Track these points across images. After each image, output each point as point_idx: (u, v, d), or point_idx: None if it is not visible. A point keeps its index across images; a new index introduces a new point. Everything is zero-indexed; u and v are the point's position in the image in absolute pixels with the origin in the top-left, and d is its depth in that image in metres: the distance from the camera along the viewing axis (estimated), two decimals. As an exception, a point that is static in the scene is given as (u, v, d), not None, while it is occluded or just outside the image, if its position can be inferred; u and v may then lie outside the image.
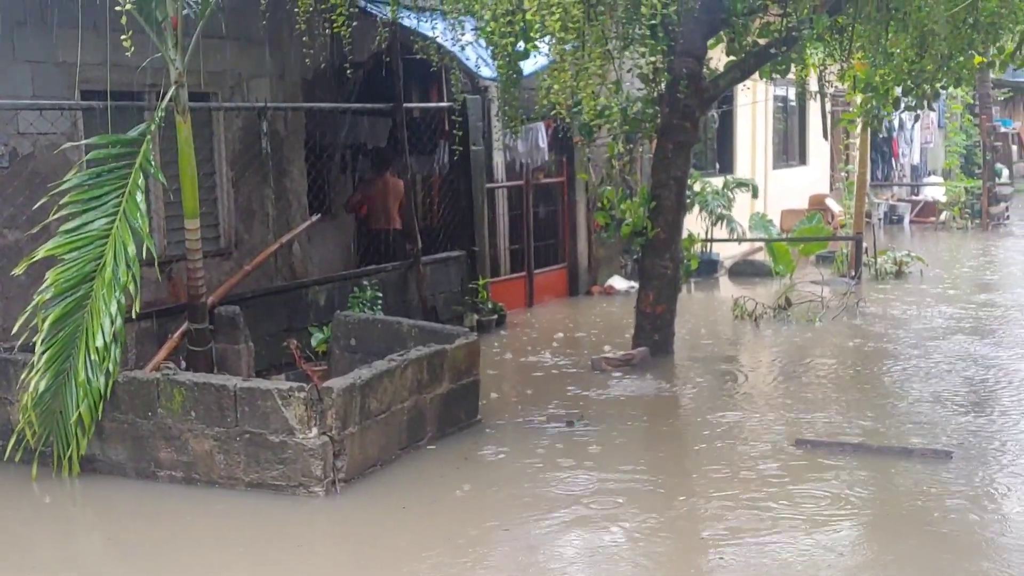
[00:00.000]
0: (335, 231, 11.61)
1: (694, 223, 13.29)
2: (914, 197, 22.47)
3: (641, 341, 9.63)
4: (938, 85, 9.77)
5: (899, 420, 7.73)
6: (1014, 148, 27.89)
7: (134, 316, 6.82)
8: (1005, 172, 24.30)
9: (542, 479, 6.49)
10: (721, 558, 5.33)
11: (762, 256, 15.60)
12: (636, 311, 9.81)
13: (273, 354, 8.62)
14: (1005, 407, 8.01)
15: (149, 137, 6.91)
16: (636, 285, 10.75)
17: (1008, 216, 21.45)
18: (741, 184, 15.19)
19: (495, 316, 11.34)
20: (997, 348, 9.96)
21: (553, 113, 8.02)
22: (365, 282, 9.87)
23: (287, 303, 9.30)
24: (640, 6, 6.89)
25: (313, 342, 8.91)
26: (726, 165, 16.95)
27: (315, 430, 6.12)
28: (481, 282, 11.23)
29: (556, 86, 7.30)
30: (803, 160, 20.38)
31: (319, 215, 9.77)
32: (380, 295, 9.80)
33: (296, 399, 6.12)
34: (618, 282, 13.71)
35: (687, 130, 9.33)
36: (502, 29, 6.94)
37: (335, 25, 8.18)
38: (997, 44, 9.68)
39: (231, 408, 6.27)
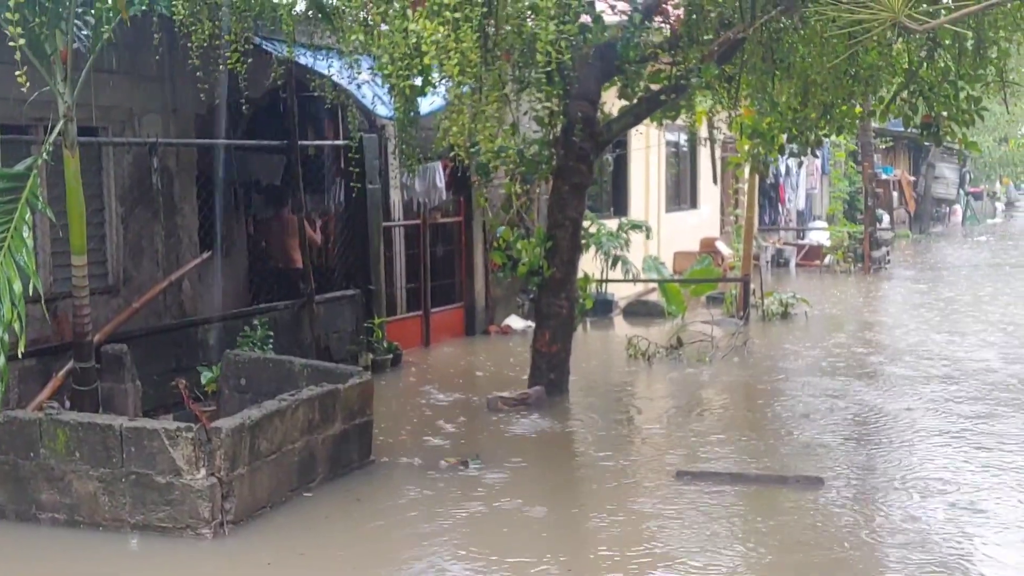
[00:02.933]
0: (227, 269, 11.44)
1: (589, 263, 13.48)
2: (800, 241, 23.19)
3: (537, 380, 9.70)
4: (821, 133, 10.15)
5: (780, 453, 8.01)
6: (894, 195, 29.01)
7: (19, 355, 6.60)
8: (886, 218, 25.29)
9: (435, 521, 6.47)
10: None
11: (655, 297, 15.89)
12: (532, 350, 9.89)
13: (161, 394, 8.44)
14: (879, 441, 8.34)
15: (36, 171, 6.75)
16: (533, 324, 10.84)
17: (889, 260, 22.26)
18: (635, 226, 15.49)
19: (390, 355, 11.29)
20: (875, 387, 10.30)
21: (452, 154, 8.09)
22: (256, 321, 9.74)
23: (176, 342, 9.13)
24: (536, 52, 7.02)
25: (202, 381, 8.74)
26: (621, 207, 17.26)
27: (203, 471, 6.01)
28: (376, 321, 11.19)
29: (454, 128, 7.38)
30: (694, 204, 20.87)
31: (210, 252, 9.64)
32: (271, 334, 9.69)
33: (184, 439, 6.01)
34: (515, 321, 13.79)
35: (582, 172, 9.50)
36: (399, 72, 6.99)
37: (229, 62, 8.12)
38: (877, 95, 10.11)
39: (117, 448, 6.12)
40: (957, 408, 9.25)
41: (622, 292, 15.76)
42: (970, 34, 8.63)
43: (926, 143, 11.15)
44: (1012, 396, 9.69)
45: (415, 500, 6.85)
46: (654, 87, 9.39)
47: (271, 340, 9.63)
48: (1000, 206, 43.87)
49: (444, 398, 9.92)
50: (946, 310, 15.80)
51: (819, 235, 23.39)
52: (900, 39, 9.02)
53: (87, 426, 6.21)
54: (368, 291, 11.26)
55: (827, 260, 21.91)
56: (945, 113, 9.50)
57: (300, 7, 8.43)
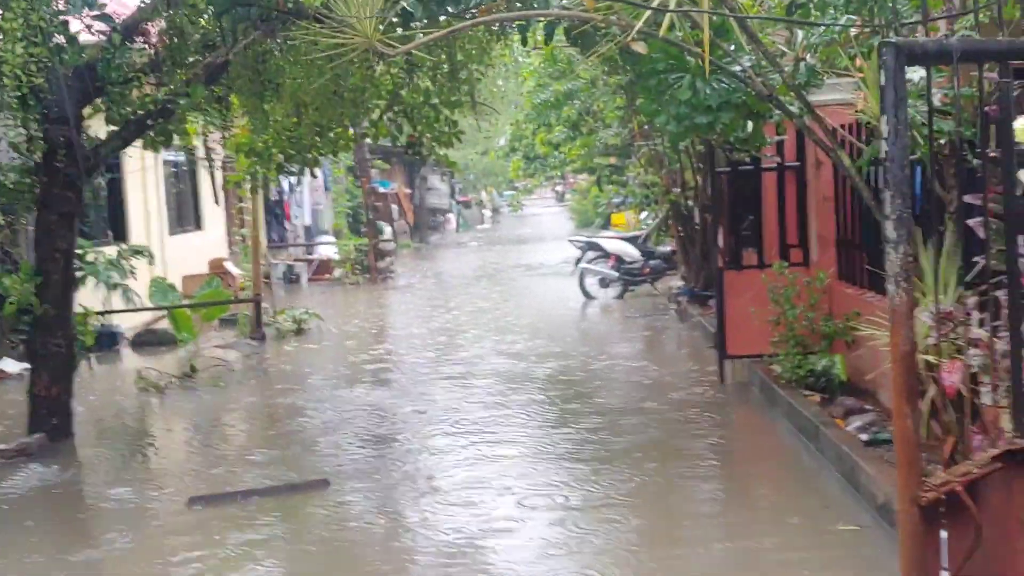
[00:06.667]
0: None
1: (90, 295, 12.71)
2: (310, 256, 23.61)
3: (37, 427, 8.99)
4: (317, 152, 10.42)
5: (299, 464, 8.14)
6: (394, 207, 30.47)
7: None
8: (388, 229, 26.49)
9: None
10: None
11: (166, 324, 15.36)
12: (29, 395, 9.15)
13: None
14: (392, 443, 8.75)
15: None
16: (30, 367, 10.02)
17: (394, 270, 23.36)
18: (136, 252, 14.82)
19: None
20: (388, 393, 10.77)
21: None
22: None
23: None
24: (3, 76, 6.51)
25: None
26: (120, 232, 16.43)
27: None
28: None
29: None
30: (199, 225, 20.44)
31: None
32: None
33: None
34: (9, 365, 12.65)
35: (70, 200, 8.96)
36: None
37: None
38: (369, 117, 10.57)
39: None
40: (465, 407, 9.87)
41: (129, 322, 15.05)
42: (444, 59, 9.32)
43: (414, 160, 11.88)
44: (513, 392, 10.48)
45: None
46: (142, 111, 9.09)
47: None
48: (488, 213, 47.72)
49: (-73, 459, 8.86)
50: (449, 314, 16.90)
51: (327, 250, 23.98)
52: (381, 63, 9.51)
53: None
54: None
55: (337, 273, 22.53)
56: (429, 134, 10.18)
57: None
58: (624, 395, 10.02)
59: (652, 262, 17.58)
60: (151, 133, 9.48)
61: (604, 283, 17.51)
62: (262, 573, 5.93)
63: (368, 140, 14.23)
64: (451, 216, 39.68)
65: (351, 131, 10.43)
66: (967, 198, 4.32)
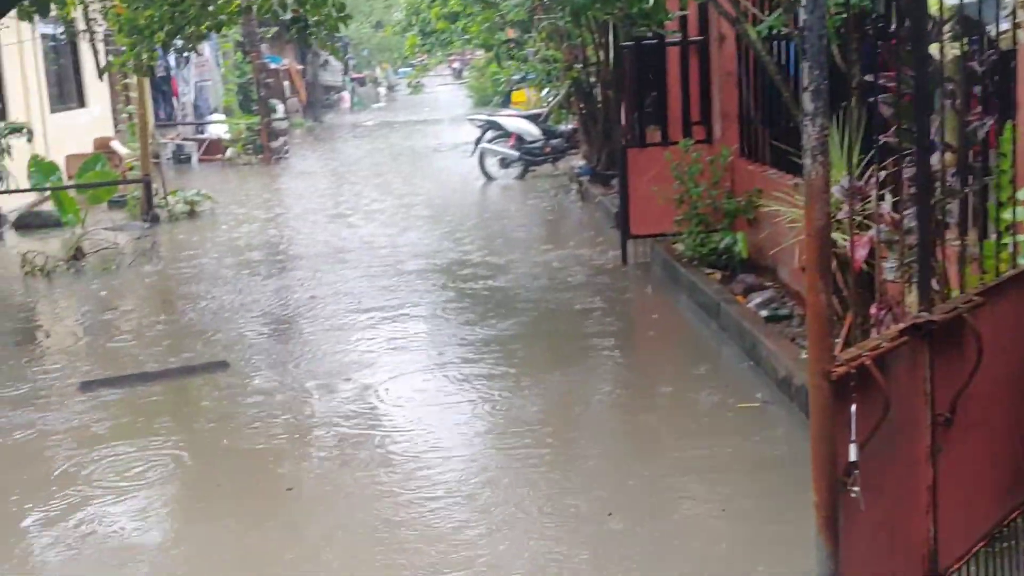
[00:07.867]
0: None
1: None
2: (199, 136, 22.81)
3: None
4: (203, 27, 9.91)
5: (196, 349, 7.93)
6: (286, 84, 29.50)
7: None
8: (280, 107, 25.70)
9: None
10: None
11: (50, 206, 14.74)
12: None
13: None
14: (288, 328, 8.66)
15: None
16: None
17: (287, 150, 22.75)
18: (15, 129, 14.17)
19: None
20: (283, 278, 10.51)
21: None
22: None
23: None
24: None
25: None
26: (-4, 110, 15.65)
27: None
28: None
29: None
30: (82, 102, 19.55)
31: None
32: None
33: None
34: None
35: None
36: None
37: None
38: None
39: None
40: (364, 290, 9.64)
41: (11, 204, 14.40)
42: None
43: (294, 39, 11.42)
44: (414, 276, 10.25)
45: None
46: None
47: None
48: (383, 91, 46.45)
49: None
50: (346, 196, 16.55)
51: (218, 128, 23.17)
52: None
53: None
54: None
55: (229, 153, 21.85)
56: (316, 18, 9.76)
57: None
58: (526, 276, 9.96)
59: (553, 141, 17.41)
60: (25, 1, 8.89)
61: (505, 163, 17.31)
62: (160, 451, 5.83)
63: (254, 12, 13.62)
64: (345, 94, 38.64)
65: (236, 3, 9.91)
66: (875, 77, 4.28)
